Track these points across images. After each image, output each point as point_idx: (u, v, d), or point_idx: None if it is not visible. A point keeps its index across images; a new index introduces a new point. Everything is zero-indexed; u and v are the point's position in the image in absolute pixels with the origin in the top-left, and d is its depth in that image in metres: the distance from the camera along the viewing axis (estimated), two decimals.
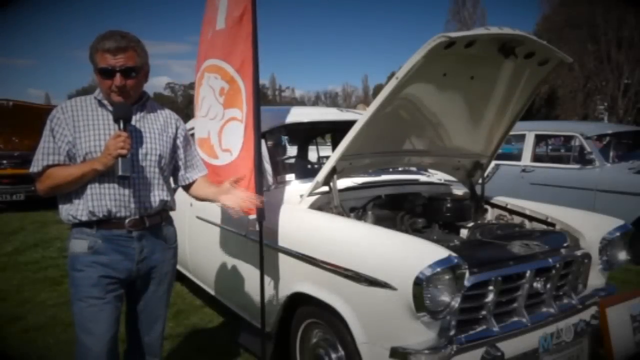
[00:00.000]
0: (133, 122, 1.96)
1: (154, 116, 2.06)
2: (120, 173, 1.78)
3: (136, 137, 1.95)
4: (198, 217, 3.48)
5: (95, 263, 1.89)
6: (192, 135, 3.70)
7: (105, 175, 1.86)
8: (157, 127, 2.04)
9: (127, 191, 1.91)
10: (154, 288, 2.07)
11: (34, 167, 1.89)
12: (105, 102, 1.94)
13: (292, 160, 4.44)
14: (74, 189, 1.89)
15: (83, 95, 2.01)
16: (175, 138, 2.10)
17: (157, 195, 2.00)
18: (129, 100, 1.93)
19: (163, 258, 2.07)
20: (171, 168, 2.12)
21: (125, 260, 1.94)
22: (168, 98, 64.80)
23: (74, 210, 1.90)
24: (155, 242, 2.03)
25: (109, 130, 1.90)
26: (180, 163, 2.15)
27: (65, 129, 1.88)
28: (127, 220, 1.93)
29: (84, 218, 1.89)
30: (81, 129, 1.89)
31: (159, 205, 2.01)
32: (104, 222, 1.91)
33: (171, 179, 2.17)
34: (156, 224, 2.03)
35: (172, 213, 2.16)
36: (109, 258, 1.91)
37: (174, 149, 2.11)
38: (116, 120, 1.87)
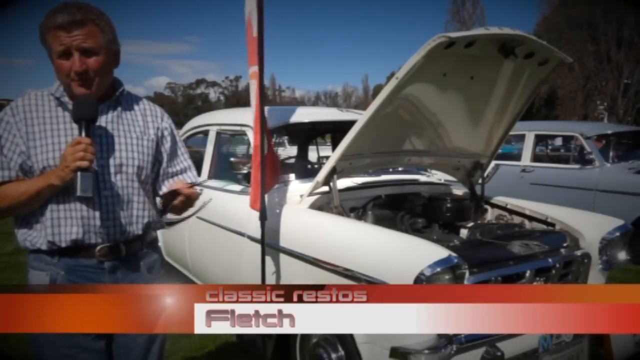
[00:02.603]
0: (104, 124, 1.56)
1: (131, 115, 1.64)
2: (78, 192, 1.40)
3: (107, 144, 1.55)
4: (198, 217, 3.48)
5: None
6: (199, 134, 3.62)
7: (67, 194, 1.48)
8: (135, 129, 1.63)
9: (97, 213, 1.52)
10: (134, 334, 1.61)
11: None
12: (66, 99, 1.54)
13: (292, 160, 4.44)
14: (32, 209, 1.52)
15: (39, 90, 1.59)
16: (158, 141, 1.68)
17: (138, 216, 1.62)
18: (97, 91, 1.52)
19: None
20: (153, 177, 1.71)
21: None
22: (168, 98, 64.89)
23: (32, 236, 1.55)
24: (134, 274, 1.63)
25: (71, 137, 1.50)
26: (161, 171, 1.72)
27: (17, 136, 1.50)
28: (97, 248, 1.54)
29: (44, 247, 1.53)
30: (36, 136, 1.50)
31: (140, 229, 1.62)
32: (69, 250, 1.53)
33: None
34: (135, 251, 1.64)
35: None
36: None
37: (157, 155, 1.69)
38: (77, 121, 1.47)
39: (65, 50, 1.45)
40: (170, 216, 1.82)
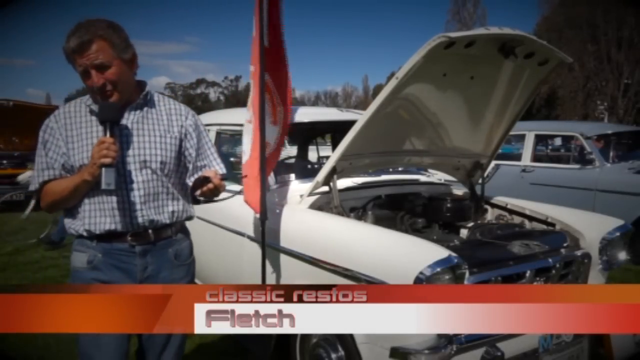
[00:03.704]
0: (130, 124, 1.74)
1: (156, 115, 1.80)
2: (103, 186, 1.58)
3: (133, 142, 1.73)
4: (198, 217, 3.47)
5: (94, 280, 1.72)
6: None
7: (99, 188, 1.64)
8: (159, 127, 1.79)
9: (125, 205, 1.72)
10: None
11: (32, 186, 1.76)
12: (94, 107, 1.72)
13: (292, 160, 4.44)
14: (75, 202, 1.73)
15: (78, 98, 1.80)
16: (182, 138, 1.83)
17: (165, 206, 1.79)
18: (121, 97, 1.69)
19: (172, 277, 1.81)
20: (181, 172, 1.86)
21: (126, 278, 1.74)
22: None
23: (75, 224, 1.76)
24: (162, 259, 1.81)
25: None
26: (190, 166, 1.87)
27: (60, 139, 1.72)
28: (129, 234, 1.74)
29: (84, 234, 1.75)
30: (74, 139, 1.72)
31: (168, 218, 1.80)
32: (105, 235, 1.74)
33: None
34: (165, 237, 1.82)
35: None
36: (108, 275, 1.73)
37: (181, 150, 1.83)
38: (102, 124, 1.65)
39: (83, 70, 1.63)
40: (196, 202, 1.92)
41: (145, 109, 1.79)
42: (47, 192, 1.73)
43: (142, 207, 1.73)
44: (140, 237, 1.75)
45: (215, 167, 1.88)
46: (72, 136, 1.72)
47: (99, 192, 1.68)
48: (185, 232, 1.94)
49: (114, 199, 1.70)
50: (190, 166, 1.86)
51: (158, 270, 1.79)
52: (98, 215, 1.72)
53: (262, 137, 2.52)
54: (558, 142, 12.27)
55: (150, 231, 1.77)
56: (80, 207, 1.73)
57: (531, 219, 2.98)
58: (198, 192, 1.75)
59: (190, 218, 1.92)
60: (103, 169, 1.58)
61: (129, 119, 1.74)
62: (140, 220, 1.74)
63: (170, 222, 1.81)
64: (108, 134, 1.62)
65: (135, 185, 1.72)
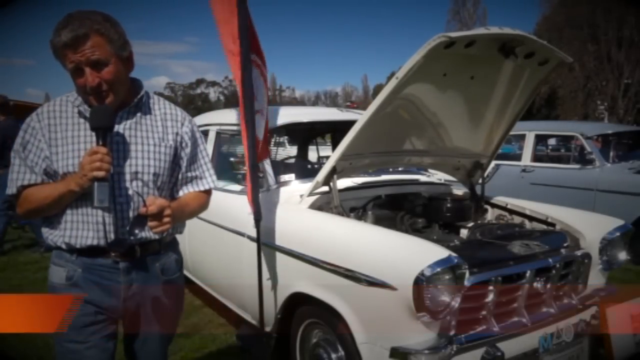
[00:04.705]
0: (122, 130, 1.57)
1: (150, 121, 1.64)
2: (95, 203, 1.42)
3: (124, 151, 1.56)
4: (198, 217, 3.47)
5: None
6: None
7: (84, 199, 1.52)
8: (154, 135, 1.62)
9: (112, 219, 1.54)
10: (148, 328, 1.69)
11: (9, 189, 1.57)
12: (85, 107, 1.56)
13: (292, 160, 4.44)
14: (57, 211, 1.57)
15: (64, 96, 1.61)
16: (177, 147, 1.67)
17: None
18: (115, 99, 1.53)
19: (159, 293, 1.68)
20: (173, 183, 1.72)
21: (108, 296, 1.59)
22: (168, 98, 64.28)
23: (53, 235, 1.60)
24: (149, 275, 1.65)
25: (90, 144, 1.52)
26: (180, 176, 1.72)
27: (42, 141, 1.54)
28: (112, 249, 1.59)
29: (63, 246, 1.59)
30: (58, 143, 1.54)
31: (157, 234, 1.62)
32: (86, 250, 1.57)
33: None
34: (152, 252, 1.66)
35: None
36: (88, 293, 1.56)
37: (176, 161, 1.68)
38: (94, 130, 1.48)
39: (75, 67, 1.46)
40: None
41: (139, 114, 1.62)
42: (27, 198, 1.55)
43: (129, 223, 1.57)
44: (125, 253, 1.59)
45: (204, 181, 1.77)
46: (57, 139, 1.54)
47: (84, 203, 1.53)
48: (174, 247, 1.79)
49: (99, 212, 1.53)
50: (180, 175, 1.72)
51: (144, 286, 1.64)
52: (80, 228, 1.56)
53: (252, 136, 2.52)
54: (559, 142, 12.26)
55: (136, 247, 1.61)
56: (61, 217, 1.56)
57: (531, 219, 2.98)
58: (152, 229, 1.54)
59: (180, 232, 1.80)
60: (95, 184, 1.41)
61: (121, 125, 1.58)
62: (127, 236, 1.57)
63: (159, 237, 1.65)
64: (101, 142, 1.46)
65: (123, 199, 1.55)
